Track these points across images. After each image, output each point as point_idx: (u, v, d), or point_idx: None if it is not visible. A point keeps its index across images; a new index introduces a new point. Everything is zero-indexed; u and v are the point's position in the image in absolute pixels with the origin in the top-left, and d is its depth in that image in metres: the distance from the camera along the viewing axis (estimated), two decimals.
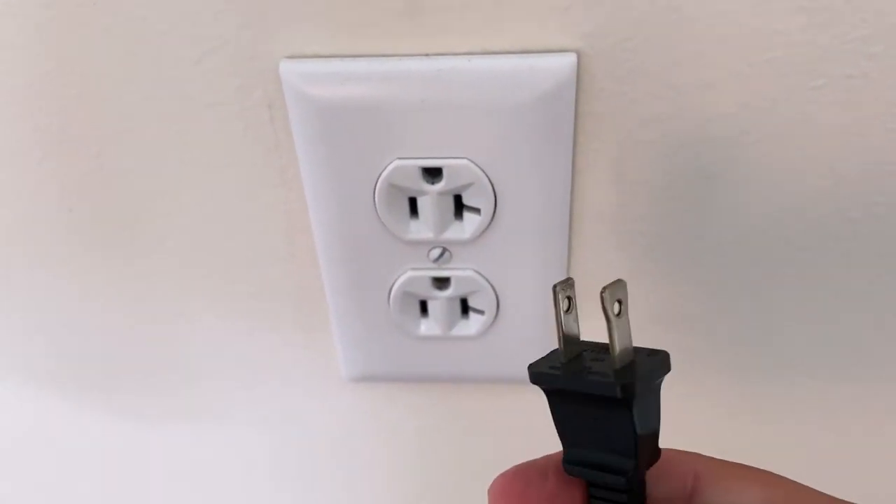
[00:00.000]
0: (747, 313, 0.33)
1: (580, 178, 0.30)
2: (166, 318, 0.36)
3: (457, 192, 0.29)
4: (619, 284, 0.20)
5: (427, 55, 0.27)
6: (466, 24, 0.26)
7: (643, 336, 0.33)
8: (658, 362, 0.20)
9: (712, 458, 0.21)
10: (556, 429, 0.21)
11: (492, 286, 0.32)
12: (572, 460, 0.21)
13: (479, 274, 0.32)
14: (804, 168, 0.28)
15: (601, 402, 0.19)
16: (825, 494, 0.20)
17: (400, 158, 0.28)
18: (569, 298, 0.21)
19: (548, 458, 0.22)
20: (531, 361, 0.21)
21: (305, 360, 0.37)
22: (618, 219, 0.30)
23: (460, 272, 0.32)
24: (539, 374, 0.21)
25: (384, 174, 0.29)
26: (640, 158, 0.29)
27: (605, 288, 0.20)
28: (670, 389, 0.35)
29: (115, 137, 0.30)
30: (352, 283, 0.33)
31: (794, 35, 0.25)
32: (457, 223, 0.30)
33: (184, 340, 0.37)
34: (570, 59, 0.27)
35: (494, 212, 0.29)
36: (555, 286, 0.21)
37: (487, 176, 0.29)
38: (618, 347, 0.20)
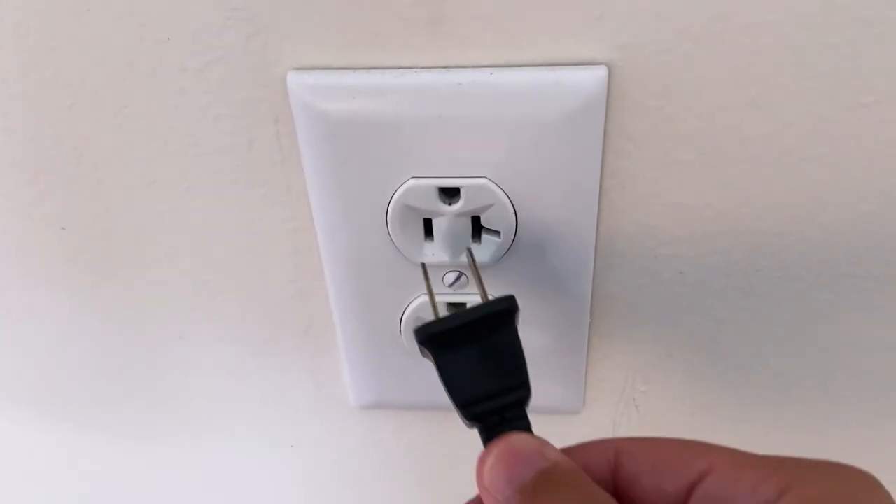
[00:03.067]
0: (787, 339, 0.31)
1: (608, 200, 0.28)
2: (164, 341, 0.34)
3: (475, 214, 0.27)
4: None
5: (446, 68, 0.25)
6: (490, 35, 0.24)
7: (668, 363, 0.32)
8: (512, 299, 0.23)
9: (726, 448, 0.20)
10: (446, 387, 0.23)
11: None
12: (467, 403, 0.22)
13: None
14: (851, 189, 0.26)
15: (489, 326, 0.22)
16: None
17: (415, 177, 0.27)
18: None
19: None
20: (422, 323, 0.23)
21: (312, 386, 0.35)
22: (648, 242, 0.28)
23: (477, 298, 0.30)
24: (429, 326, 0.22)
25: (398, 194, 0.27)
26: (674, 179, 0.27)
27: (468, 248, 0.26)
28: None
29: (112, 151, 0.29)
30: (361, 307, 0.31)
31: (845, 49, 0.24)
32: (475, 246, 0.28)
33: (183, 365, 0.35)
34: (601, 72, 0.25)
35: (515, 234, 0.28)
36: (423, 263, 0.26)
37: (508, 197, 0.27)
38: (485, 289, 0.25)
